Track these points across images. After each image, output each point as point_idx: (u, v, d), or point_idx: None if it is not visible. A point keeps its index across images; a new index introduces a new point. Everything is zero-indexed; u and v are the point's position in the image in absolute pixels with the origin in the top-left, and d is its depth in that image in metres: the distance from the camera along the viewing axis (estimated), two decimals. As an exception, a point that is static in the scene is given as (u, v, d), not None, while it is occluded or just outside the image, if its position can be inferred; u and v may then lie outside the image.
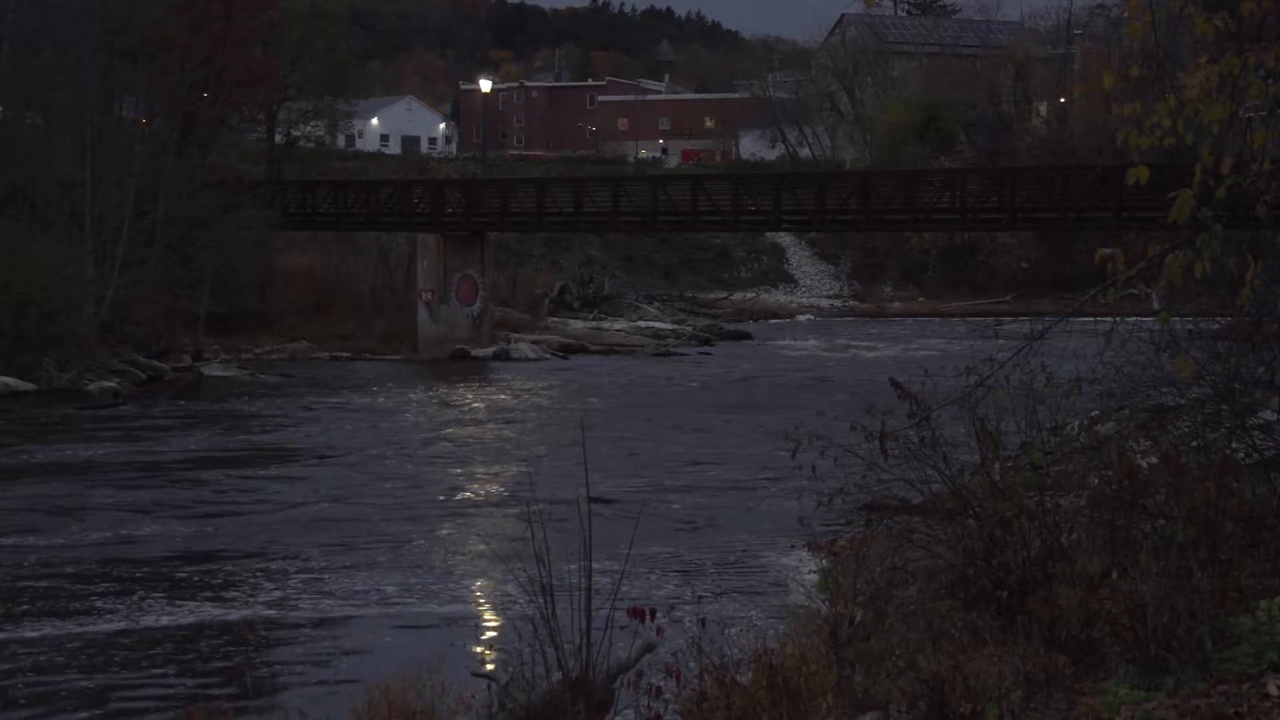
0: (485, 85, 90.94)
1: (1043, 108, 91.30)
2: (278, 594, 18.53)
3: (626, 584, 9.50)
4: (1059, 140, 77.21)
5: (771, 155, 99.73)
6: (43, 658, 15.66)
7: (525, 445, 32.14)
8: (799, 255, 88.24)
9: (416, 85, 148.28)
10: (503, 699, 8.66)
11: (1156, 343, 12.90)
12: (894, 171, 62.48)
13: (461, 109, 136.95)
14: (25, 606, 17.77)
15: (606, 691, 8.53)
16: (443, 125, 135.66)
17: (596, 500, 9.93)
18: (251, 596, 18.41)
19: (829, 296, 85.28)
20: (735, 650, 9.01)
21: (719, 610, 14.77)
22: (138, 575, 19.43)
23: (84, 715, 14.05)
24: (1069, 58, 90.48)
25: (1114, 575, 8.80)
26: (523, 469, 27.45)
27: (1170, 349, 12.28)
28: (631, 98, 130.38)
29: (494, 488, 26.85)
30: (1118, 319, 11.82)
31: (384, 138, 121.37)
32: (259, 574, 19.55)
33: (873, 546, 12.96)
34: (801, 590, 15.41)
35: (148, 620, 17.17)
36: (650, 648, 8.87)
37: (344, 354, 53.11)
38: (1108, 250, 7.69)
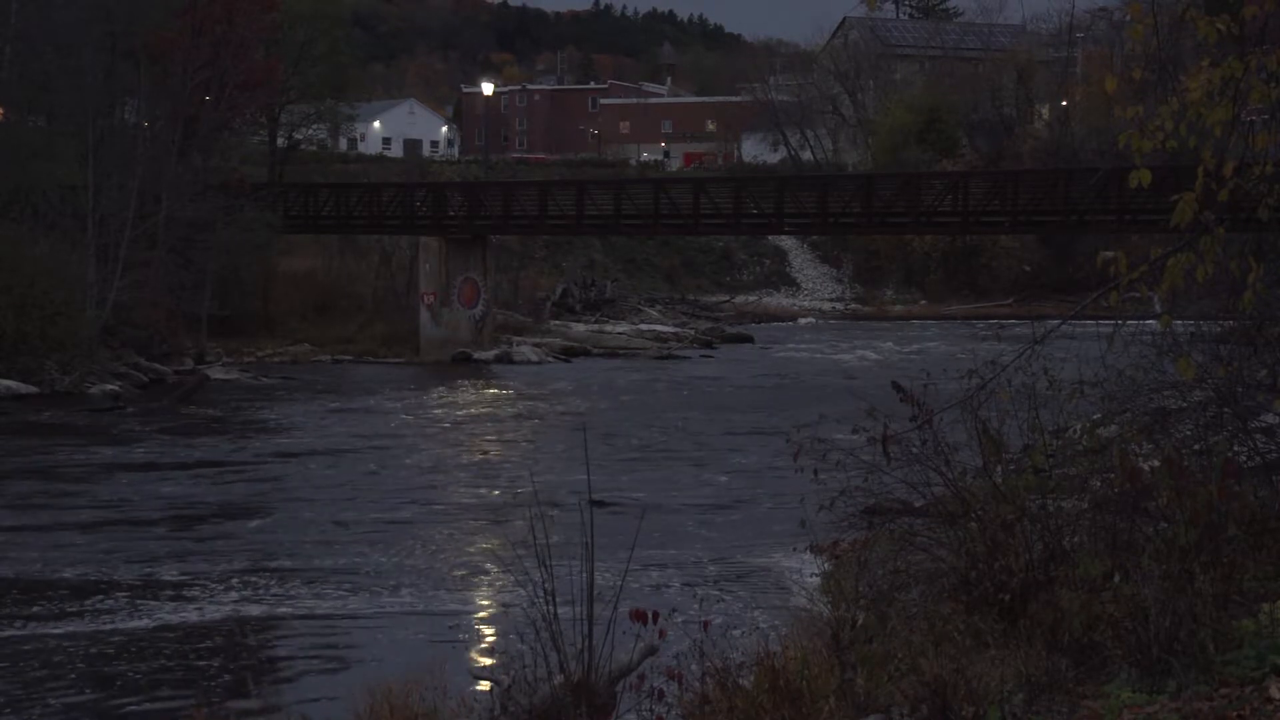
0: (487, 88, 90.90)
1: (1045, 111, 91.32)
2: (279, 595, 18.55)
3: (629, 586, 9.49)
4: (1061, 143, 77.14)
5: (773, 158, 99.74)
6: (44, 658, 15.67)
7: (527, 448, 32.16)
8: (801, 258, 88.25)
9: (418, 88, 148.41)
10: (504, 701, 8.65)
11: (1159, 346, 12.90)
12: (896, 174, 62.48)
13: (464, 112, 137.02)
14: (27, 607, 17.78)
15: (608, 694, 8.52)
16: (445, 128, 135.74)
17: (598, 503, 9.94)
18: (253, 598, 18.42)
19: (831, 299, 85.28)
20: (737, 653, 9.00)
21: (721, 613, 14.78)
22: (139, 576, 19.44)
23: (85, 715, 14.05)
24: (1071, 61, 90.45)
25: (1116, 578, 8.79)
26: (525, 471, 27.44)
27: (1172, 352, 12.27)
28: (633, 100, 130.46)
29: (496, 490, 26.85)
30: (1120, 322, 11.83)
31: (386, 140, 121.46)
32: (261, 575, 19.56)
33: (875, 549, 12.95)
34: (804, 593, 15.41)
35: (149, 621, 17.18)
36: (652, 650, 8.86)
37: (346, 357, 53.14)
38: (1110, 253, 7.70)
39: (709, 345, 62.06)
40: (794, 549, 16.79)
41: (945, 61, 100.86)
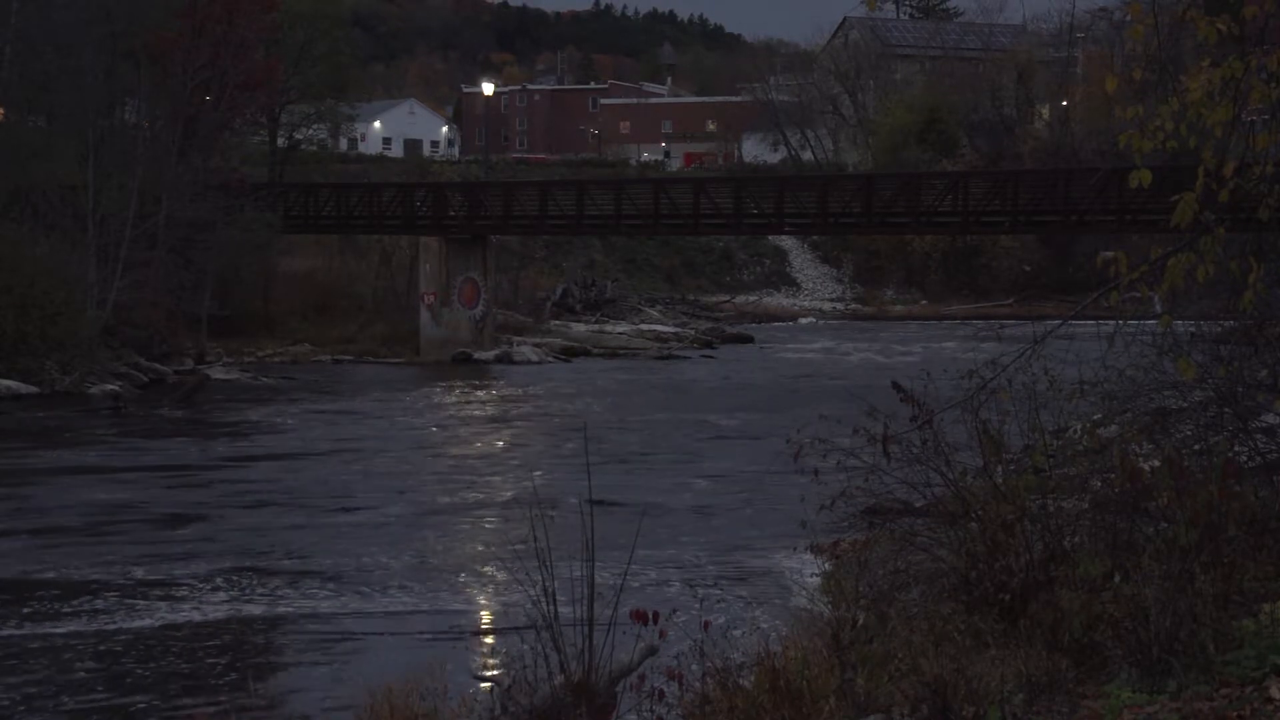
0: (487, 88, 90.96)
1: (1045, 111, 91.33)
2: (280, 595, 18.54)
3: (629, 586, 9.49)
4: (1061, 143, 77.21)
5: (774, 158, 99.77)
6: (45, 658, 15.66)
7: (527, 448, 32.15)
8: (801, 258, 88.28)
9: (419, 88, 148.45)
10: (505, 702, 8.65)
11: (1159, 346, 12.90)
12: (896, 174, 62.50)
13: (464, 112, 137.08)
14: (28, 608, 17.77)
15: (609, 695, 8.52)
16: (445, 128, 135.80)
17: (599, 502, 9.92)
18: (254, 597, 18.41)
19: (831, 299, 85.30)
20: (738, 653, 9.00)
21: (722, 613, 14.78)
22: (139, 576, 19.43)
23: (87, 714, 14.05)
24: (1071, 61, 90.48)
25: (1116, 578, 8.79)
26: (525, 471, 27.45)
27: (1173, 352, 12.26)
28: (634, 101, 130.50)
29: (496, 490, 26.84)
30: (1120, 322, 11.83)
31: (386, 140, 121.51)
32: (261, 575, 19.56)
33: (875, 549, 12.96)
34: (804, 593, 15.41)
35: (150, 620, 17.18)
36: (653, 651, 8.86)
37: (346, 357, 53.14)
38: (1110, 253, 7.70)
39: (709, 345, 62.05)
40: (794, 549, 16.81)
41: (945, 61, 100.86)
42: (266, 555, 20.97)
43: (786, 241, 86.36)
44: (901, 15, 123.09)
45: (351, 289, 60.76)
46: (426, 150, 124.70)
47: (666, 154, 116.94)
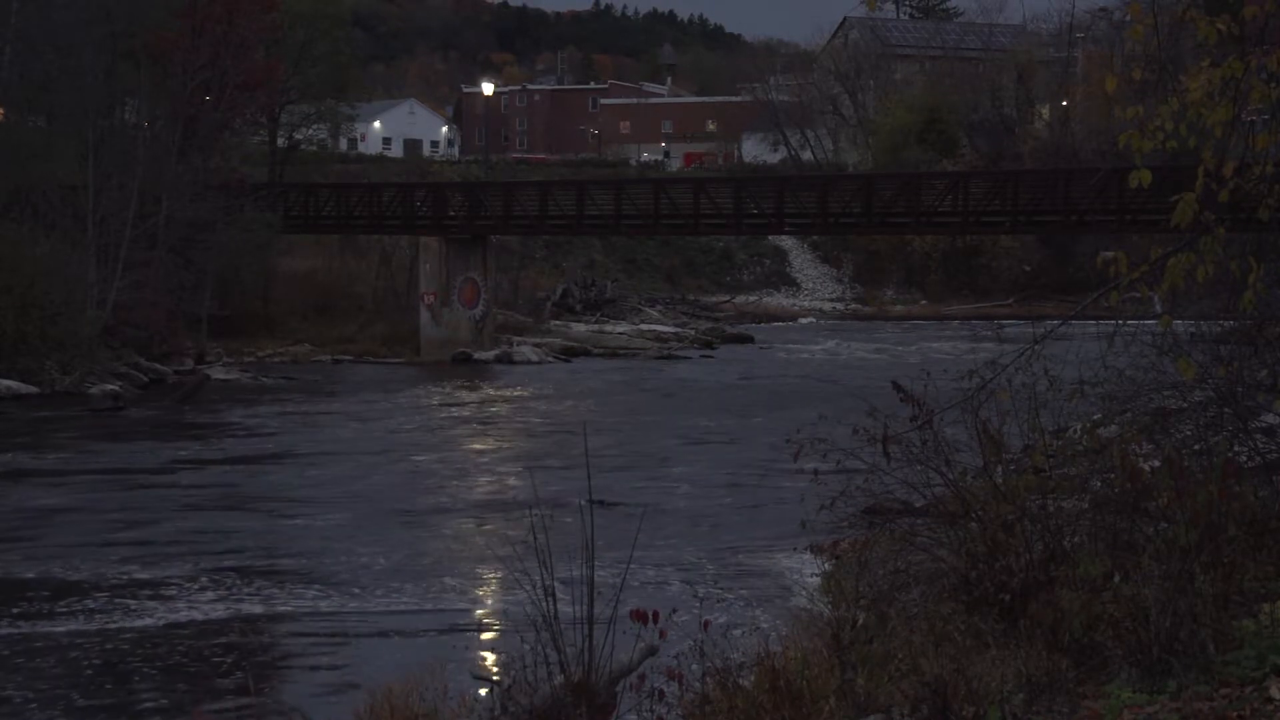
0: (487, 88, 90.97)
1: (1045, 111, 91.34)
2: (280, 595, 18.54)
3: (629, 586, 9.50)
4: (1061, 143, 77.16)
5: (774, 158, 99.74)
6: (46, 658, 15.67)
7: (527, 448, 32.15)
8: (801, 258, 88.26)
9: (419, 88, 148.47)
10: (505, 702, 8.65)
11: (1159, 346, 12.90)
12: (896, 174, 62.49)
13: (464, 112, 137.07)
14: (28, 608, 17.78)
15: (609, 694, 8.52)
16: (445, 128, 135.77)
17: (598, 502, 9.91)
18: (253, 598, 18.41)
19: (831, 299, 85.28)
20: (738, 653, 9.00)
21: (722, 612, 14.78)
22: (138, 577, 19.43)
23: (84, 714, 14.05)
24: (1071, 61, 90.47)
25: (1116, 578, 8.79)
26: (525, 471, 27.44)
27: (1173, 352, 12.27)
28: (634, 101, 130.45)
29: (496, 490, 26.85)
30: (1120, 322, 11.84)
31: (386, 140, 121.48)
32: (261, 575, 19.56)
33: (875, 549, 12.96)
34: (804, 593, 15.42)
35: (150, 620, 17.18)
36: (653, 651, 8.86)
37: (346, 357, 53.15)
38: (1110, 253, 7.71)
39: (709, 345, 62.04)
40: (794, 549, 16.84)
41: (945, 61, 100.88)
42: (265, 555, 20.97)
43: (786, 241, 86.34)
44: (901, 15, 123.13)
45: (351, 289, 60.77)
46: (426, 150, 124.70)
47: (666, 154, 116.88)
